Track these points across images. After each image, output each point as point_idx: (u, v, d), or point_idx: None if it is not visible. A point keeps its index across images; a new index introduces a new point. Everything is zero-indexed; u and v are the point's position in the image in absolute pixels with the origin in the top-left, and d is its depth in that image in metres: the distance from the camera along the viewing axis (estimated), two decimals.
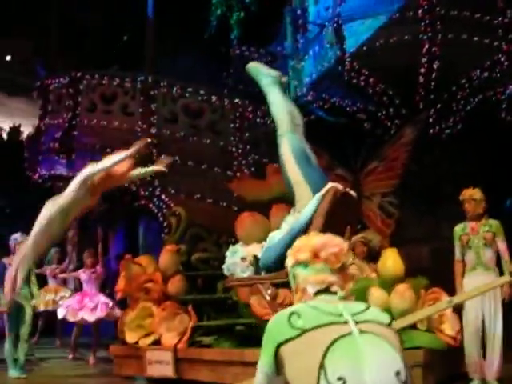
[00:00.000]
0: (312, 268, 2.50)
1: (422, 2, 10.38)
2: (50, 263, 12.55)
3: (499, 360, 6.59)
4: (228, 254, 4.55)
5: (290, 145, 4.33)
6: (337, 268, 2.51)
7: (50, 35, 15.03)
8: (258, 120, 11.97)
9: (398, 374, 2.20)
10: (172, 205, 10.47)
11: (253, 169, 11.22)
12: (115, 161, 6.76)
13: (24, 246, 7.56)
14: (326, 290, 2.48)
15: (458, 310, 6.97)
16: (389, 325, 2.37)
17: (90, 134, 11.57)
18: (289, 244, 4.10)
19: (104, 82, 11.86)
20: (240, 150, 11.46)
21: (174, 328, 7.89)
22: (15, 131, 23.30)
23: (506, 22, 10.70)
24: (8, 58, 23.47)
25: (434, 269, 8.37)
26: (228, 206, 10.86)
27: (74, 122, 11.69)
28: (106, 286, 12.13)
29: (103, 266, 10.72)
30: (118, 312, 9.85)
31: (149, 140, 7.79)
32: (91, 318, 9.91)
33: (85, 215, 14.25)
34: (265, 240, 4.51)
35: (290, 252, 2.59)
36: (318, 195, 4.07)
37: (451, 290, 6.85)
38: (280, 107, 4.63)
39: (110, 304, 10.05)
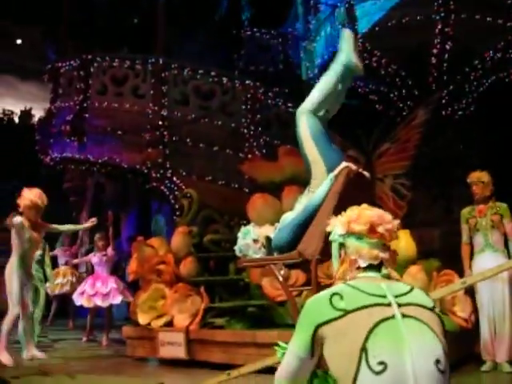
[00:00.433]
0: (366, 241, 2.46)
1: None
2: (61, 245, 12.63)
3: (510, 342, 6.59)
4: (240, 235, 4.52)
5: (307, 122, 4.28)
6: (388, 245, 2.49)
7: (60, 19, 14.97)
8: (269, 101, 11.91)
9: (437, 362, 2.19)
10: (183, 187, 10.45)
11: (264, 151, 11.18)
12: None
13: None
14: (374, 266, 2.45)
15: (470, 292, 6.97)
16: (432, 309, 2.34)
17: (101, 116, 11.56)
18: (302, 224, 4.11)
19: (115, 64, 11.83)
20: (251, 132, 11.41)
21: (186, 309, 7.90)
22: (26, 115, 23.39)
23: None
24: (19, 41, 23.49)
25: (446, 251, 8.33)
26: (239, 188, 10.84)
27: (85, 105, 11.68)
28: (118, 268, 12.19)
29: (114, 248, 10.75)
30: (129, 295, 9.90)
31: None
32: (104, 303, 9.96)
33: (97, 198, 14.38)
34: (277, 221, 4.49)
35: (340, 220, 2.53)
36: (332, 175, 4.05)
37: (462, 273, 6.85)
38: (324, 88, 4.49)
39: (121, 288, 10.09)
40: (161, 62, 11.59)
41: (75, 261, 12.20)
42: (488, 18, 10.28)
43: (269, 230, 4.42)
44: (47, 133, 12.66)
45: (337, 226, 2.54)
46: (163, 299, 8.23)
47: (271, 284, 7.55)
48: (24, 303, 7.85)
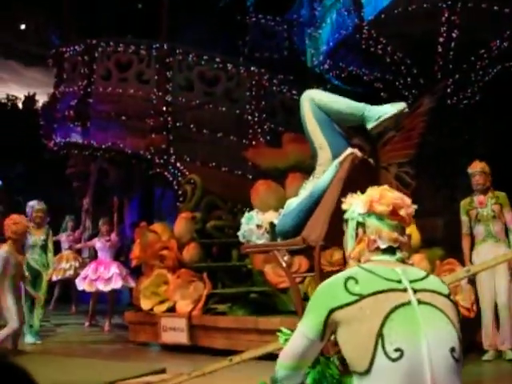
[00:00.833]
0: (387, 223, 2.43)
1: None
2: (64, 231, 12.65)
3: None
4: (243, 220, 4.49)
5: (311, 107, 4.23)
6: (405, 229, 2.47)
7: (64, 4, 14.91)
8: (274, 88, 11.86)
9: (452, 350, 2.17)
10: (187, 173, 10.44)
11: (268, 137, 11.15)
12: None
13: None
14: (390, 249, 2.42)
15: (472, 281, 6.97)
16: (448, 296, 2.31)
17: (106, 101, 11.52)
18: (306, 210, 4.09)
19: (119, 49, 11.77)
20: (256, 119, 11.37)
21: (189, 295, 7.92)
22: (30, 100, 23.35)
23: None
24: (22, 27, 23.41)
25: (449, 240, 8.32)
26: (243, 175, 10.82)
27: (89, 90, 11.64)
28: (121, 253, 12.21)
29: (118, 234, 10.77)
30: (131, 281, 9.92)
31: None
32: (106, 288, 9.97)
33: (100, 183, 14.37)
34: (280, 208, 4.47)
35: (361, 199, 2.49)
36: (337, 161, 4.01)
37: (464, 263, 6.85)
38: (344, 105, 4.25)
39: (124, 273, 10.10)
40: (165, 47, 11.53)
41: (78, 246, 12.23)
42: (495, 7, 10.20)
43: (272, 216, 4.40)
44: (51, 118, 12.63)
45: (357, 205, 2.50)
46: (166, 285, 8.25)
47: (274, 271, 7.56)
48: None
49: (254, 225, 4.39)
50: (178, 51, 11.55)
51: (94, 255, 11.98)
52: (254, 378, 3.91)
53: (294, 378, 2.40)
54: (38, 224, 9.10)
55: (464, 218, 6.96)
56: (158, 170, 11.28)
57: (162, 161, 10.98)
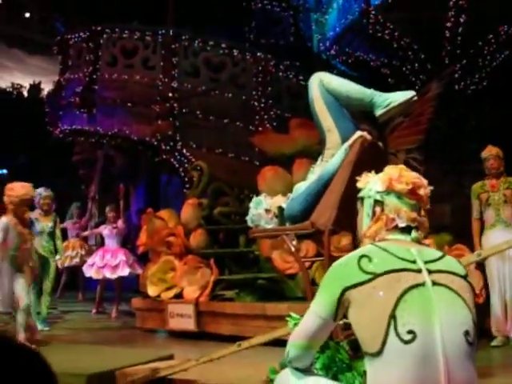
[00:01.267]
0: (406, 202, 2.40)
1: None
2: (71, 218, 12.65)
3: None
4: (252, 205, 4.47)
5: (319, 89, 4.18)
6: (422, 210, 2.44)
7: None
8: (280, 74, 11.81)
9: (466, 333, 2.14)
10: (193, 159, 10.41)
11: (275, 123, 11.10)
12: None
13: None
14: (407, 229, 2.38)
15: (481, 267, 6.93)
16: (465, 277, 2.27)
17: (111, 88, 11.49)
18: (315, 194, 4.05)
19: (125, 35, 11.72)
20: (262, 105, 11.32)
21: (196, 282, 7.91)
22: (35, 88, 23.36)
23: None
24: (27, 15, 23.37)
25: (456, 226, 8.29)
26: (250, 161, 10.78)
27: (94, 77, 11.60)
28: (128, 240, 12.20)
29: (125, 221, 10.76)
30: (138, 268, 9.92)
31: None
32: (113, 275, 9.99)
33: (106, 170, 14.36)
34: (289, 192, 4.44)
35: (380, 177, 2.46)
36: (346, 145, 3.98)
37: (473, 248, 6.81)
38: (353, 90, 4.24)
39: (131, 260, 10.10)
40: (171, 33, 11.48)
41: (85, 233, 12.23)
42: None
43: (281, 200, 4.38)
44: (57, 105, 12.61)
45: (375, 183, 2.46)
46: (173, 271, 8.24)
47: (281, 257, 7.54)
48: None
49: (262, 209, 4.38)
50: (183, 37, 11.50)
51: (100, 242, 11.98)
52: (261, 363, 3.90)
53: (304, 358, 2.37)
54: (45, 211, 9.08)
55: (475, 202, 6.92)
56: (164, 156, 11.25)
57: (168, 147, 10.95)
